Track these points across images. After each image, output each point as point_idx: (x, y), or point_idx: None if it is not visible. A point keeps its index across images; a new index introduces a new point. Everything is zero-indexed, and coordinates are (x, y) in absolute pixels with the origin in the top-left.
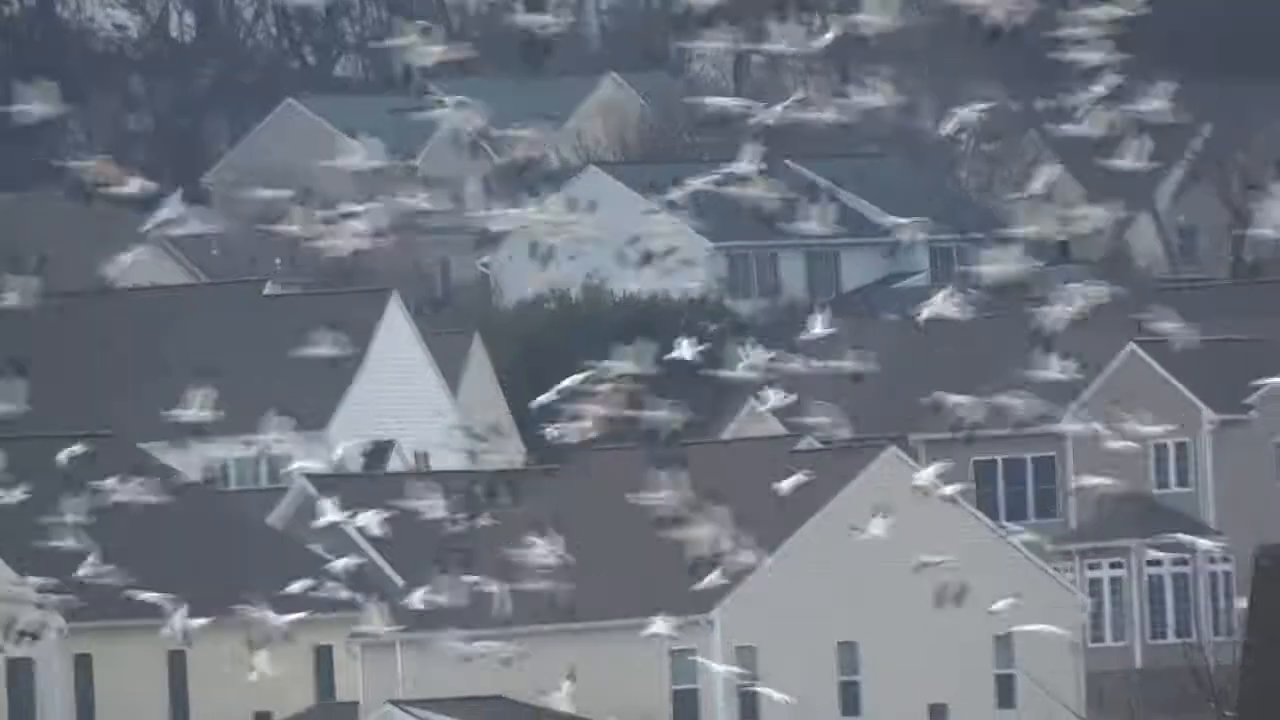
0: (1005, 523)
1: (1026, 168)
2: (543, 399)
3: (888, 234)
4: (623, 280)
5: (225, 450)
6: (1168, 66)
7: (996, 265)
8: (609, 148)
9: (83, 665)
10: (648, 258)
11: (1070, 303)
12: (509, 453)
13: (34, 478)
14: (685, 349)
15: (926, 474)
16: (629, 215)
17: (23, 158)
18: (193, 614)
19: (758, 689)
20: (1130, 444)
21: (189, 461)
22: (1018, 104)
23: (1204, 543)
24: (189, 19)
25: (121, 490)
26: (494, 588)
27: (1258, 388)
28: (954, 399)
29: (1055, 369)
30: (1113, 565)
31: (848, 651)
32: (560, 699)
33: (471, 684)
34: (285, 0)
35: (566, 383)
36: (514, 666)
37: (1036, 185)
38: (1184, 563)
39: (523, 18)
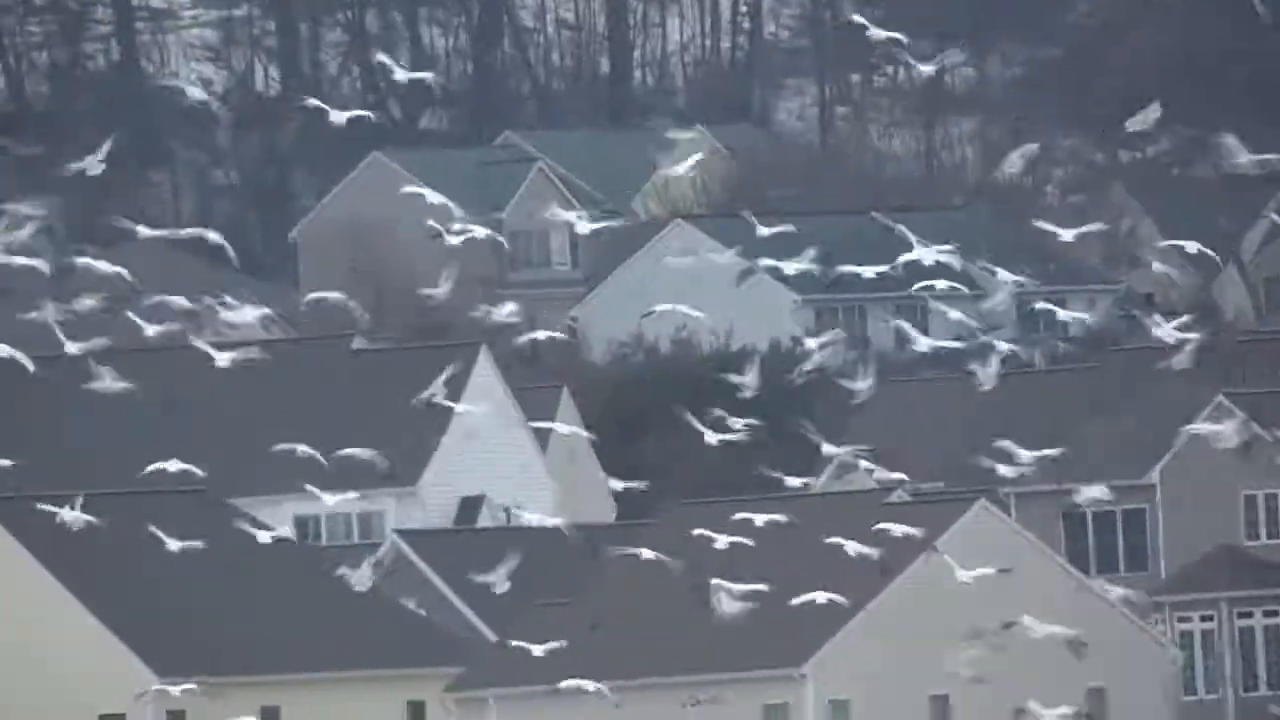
0: (1097, 575)
1: (1114, 220)
2: None
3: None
4: (711, 335)
5: (315, 506)
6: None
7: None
8: (695, 201)
9: None
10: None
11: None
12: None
13: (127, 532)
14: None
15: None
16: (716, 270)
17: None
18: (289, 669)
19: None
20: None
21: (280, 516)
22: (1104, 155)
23: None
24: (274, 72)
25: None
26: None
27: None
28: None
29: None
30: (1203, 618)
31: (939, 706)
32: None
33: None
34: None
35: None
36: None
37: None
38: (1275, 614)
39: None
